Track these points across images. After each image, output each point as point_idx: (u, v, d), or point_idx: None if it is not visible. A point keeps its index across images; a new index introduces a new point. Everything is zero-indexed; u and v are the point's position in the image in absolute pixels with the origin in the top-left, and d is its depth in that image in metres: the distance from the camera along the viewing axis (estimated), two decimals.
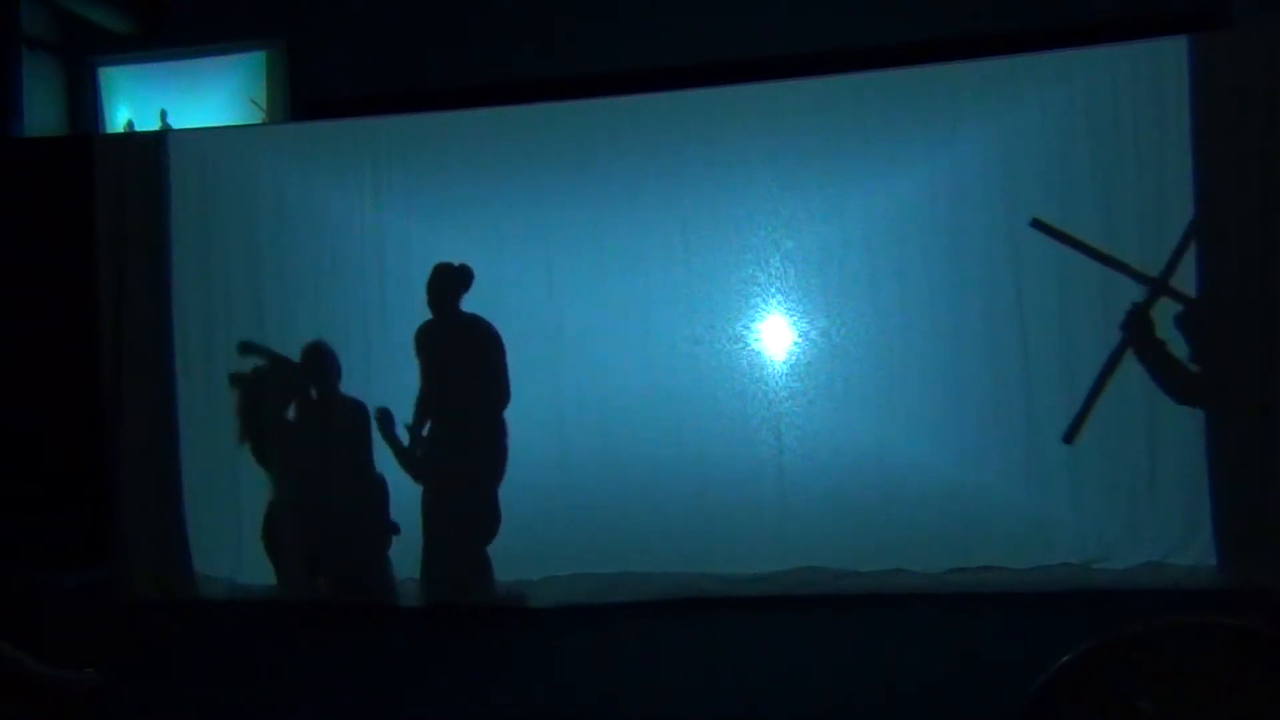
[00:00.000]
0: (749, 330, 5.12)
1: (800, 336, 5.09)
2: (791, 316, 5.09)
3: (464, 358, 5.20)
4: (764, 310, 5.11)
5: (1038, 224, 4.87)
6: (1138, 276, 4.82)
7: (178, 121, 6.40)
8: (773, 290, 5.09)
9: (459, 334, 5.22)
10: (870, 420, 5.01)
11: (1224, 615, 1.68)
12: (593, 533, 5.09)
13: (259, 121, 6.29)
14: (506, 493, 5.15)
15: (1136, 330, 4.83)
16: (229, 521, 5.40)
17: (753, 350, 5.11)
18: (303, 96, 6.28)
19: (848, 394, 5.02)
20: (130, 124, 6.53)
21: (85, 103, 6.60)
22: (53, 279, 5.61)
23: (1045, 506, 4.87)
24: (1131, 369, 4.82)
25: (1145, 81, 4.79)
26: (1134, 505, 4.81)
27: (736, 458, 5.07)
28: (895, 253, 4.99)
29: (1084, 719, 1.67)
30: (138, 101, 6.55)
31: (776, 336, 5.11)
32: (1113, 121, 4.82)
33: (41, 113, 6.40)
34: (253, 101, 6.30)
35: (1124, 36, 4.88)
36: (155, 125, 6.46)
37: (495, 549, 5.15)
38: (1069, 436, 4.88)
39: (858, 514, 4.95)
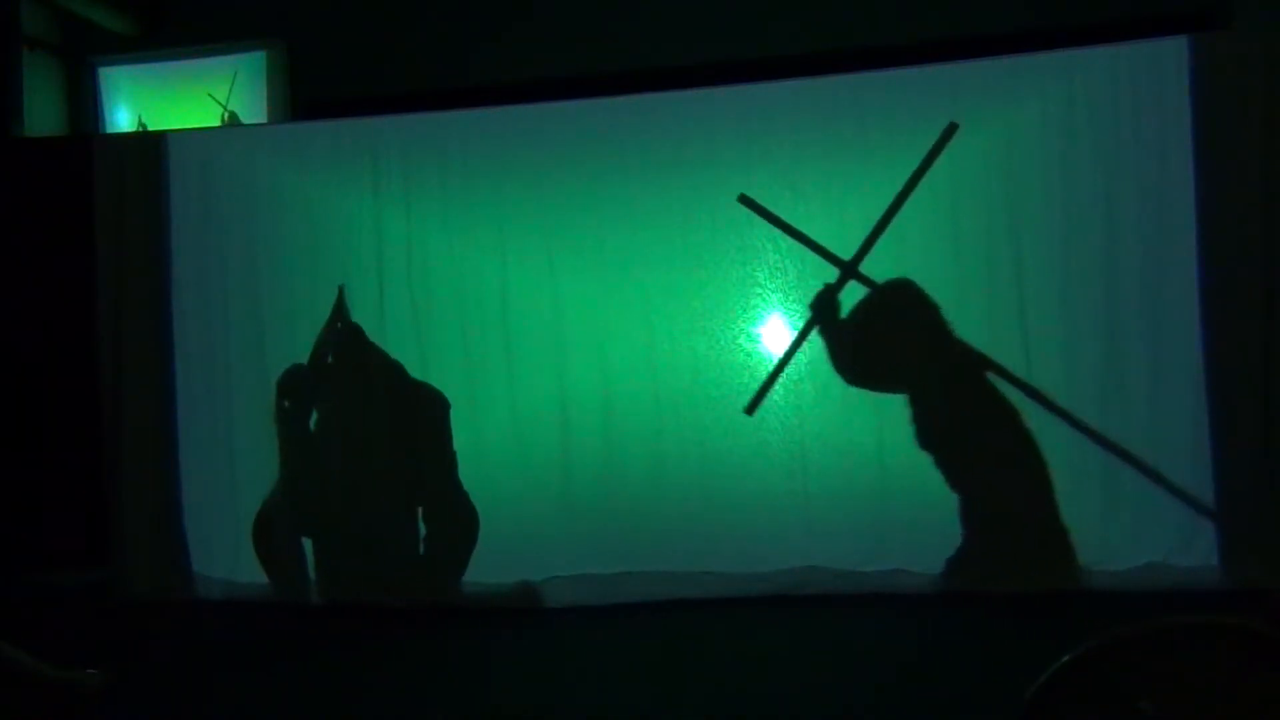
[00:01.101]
0: (749, 330, 5.11)
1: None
2: (791, 316, 5.09)
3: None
4: (764, 310, 5.11)
5: (745, 200, 5.02)
6: (831, 259, 4.98)
7: (177, 123, 6.38)
8: (772, 290, 5.09)
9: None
10: (870, 420, 5.00)
11: (1224, 615, 1.68)
12: (595, 533, 5.09)
13: (221, 122, 6.28)
14: (509, 494, 5.17)
15: (822, 310, 4.98)
16: (227, 522, 5.40)
17: (753, 350, 5.11)
18: (303, 96, 6.27)
19: (848, 394, 5.02)
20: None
21: (85, 103, 6.59)
22: (53, 279, 5.61)
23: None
24: (1137, 372, 4.81)
25: (1145, 81, 4.78)
26: (1134, 505, 4.80)
27: (737, 458, 5.06)
28: (895, 252, 4.99)
29: (1084, 719, 1.67)
30: (138, 102, 6.54)
31: (776, 336, 5.11)
32: (1113, 121, 4.81)
33: (41, 113, 6.39)
34: (210, 95, 6.27)
35: (1124, 36, 4.88)
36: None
37: (497, 551, 5.15)
38: (750, 409, 5.03)
39: (858, 514, 4.95)
